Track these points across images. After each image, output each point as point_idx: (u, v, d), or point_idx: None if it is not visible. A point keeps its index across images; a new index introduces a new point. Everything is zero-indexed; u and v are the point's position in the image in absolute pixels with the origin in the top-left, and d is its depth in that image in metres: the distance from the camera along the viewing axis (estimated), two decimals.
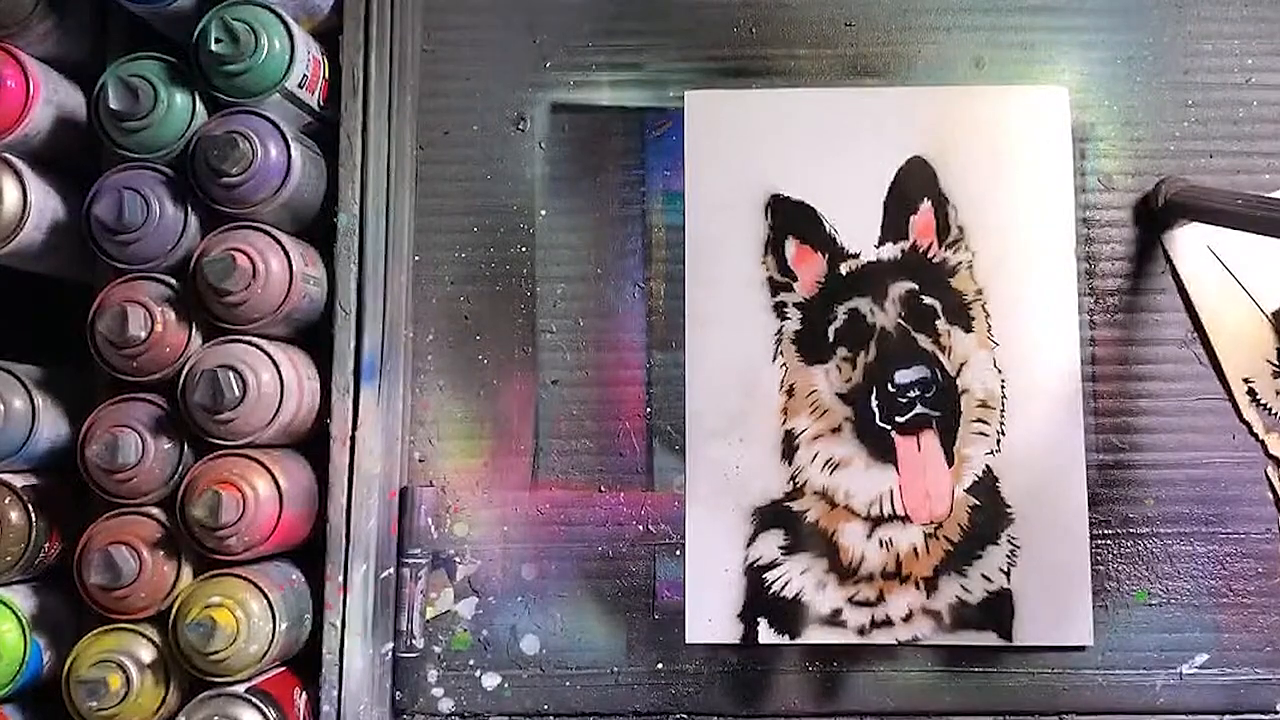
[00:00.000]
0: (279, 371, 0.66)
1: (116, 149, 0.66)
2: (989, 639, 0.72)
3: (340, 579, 0.68)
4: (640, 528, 0.73)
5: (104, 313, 0.64)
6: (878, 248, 0.74)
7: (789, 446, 0.73)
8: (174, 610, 0.64)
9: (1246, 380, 0.73)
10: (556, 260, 0.75)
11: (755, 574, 0.73)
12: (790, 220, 0.75)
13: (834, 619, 0.72)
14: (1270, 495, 0.72)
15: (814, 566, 0.73)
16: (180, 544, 0.65)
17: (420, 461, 0.74)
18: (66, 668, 0.63)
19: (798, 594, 0.72)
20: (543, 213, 0.75)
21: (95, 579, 0.63)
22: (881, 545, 0.73)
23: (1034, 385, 0.73)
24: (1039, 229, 0.74)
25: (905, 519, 0.73)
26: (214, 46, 0.65)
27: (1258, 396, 0.73)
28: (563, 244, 0.75)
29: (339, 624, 0.68)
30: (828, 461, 0.73)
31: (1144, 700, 0.71)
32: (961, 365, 0.73)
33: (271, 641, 0.64)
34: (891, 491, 0.73)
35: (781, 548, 0.73)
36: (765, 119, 0.75)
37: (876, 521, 0.73)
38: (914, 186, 0.75)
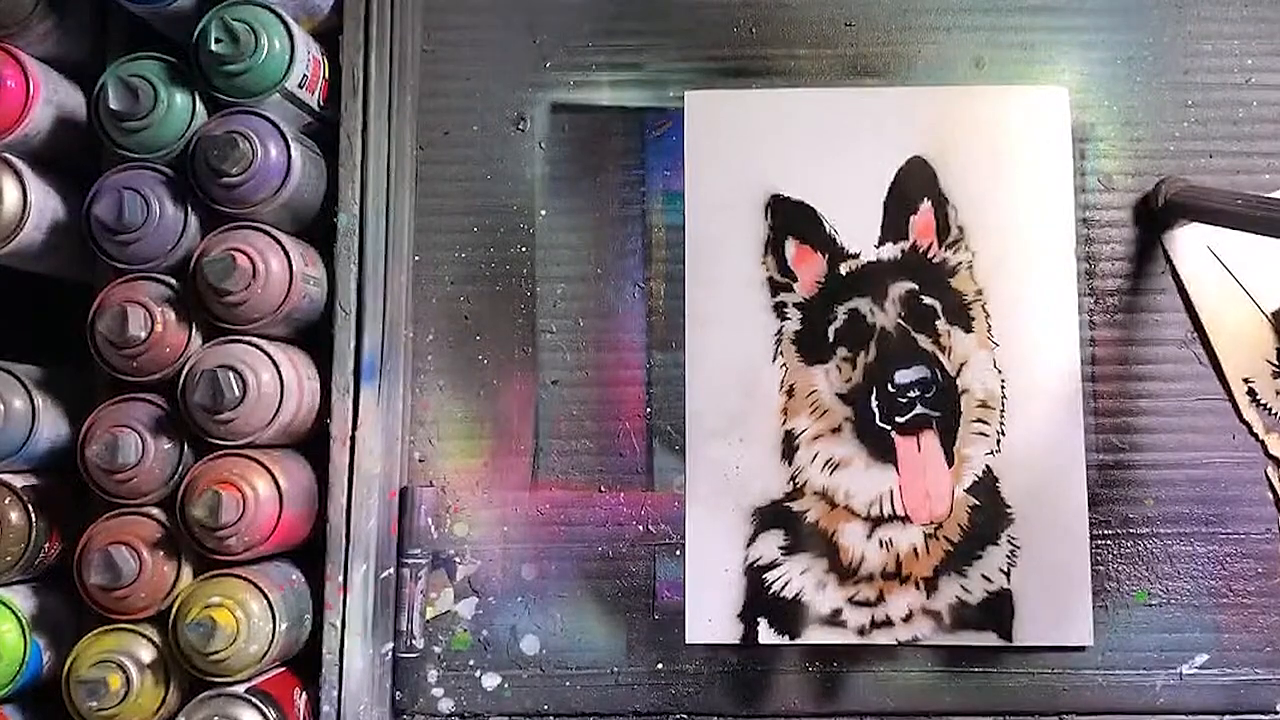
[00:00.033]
0: (279, 371, 0.66)
1: (116, 149, 0.66)
2: (989, 639, 0.72)
3: (340, 579, 0.68)
4: (640, 528, 0.73)
5: (104, 313, 0.64)
6: (878, 248, 0.74)
7: (789, 446, 0.73)
8: (174, 610, 0.64)
9: (1246, 380, 0.73)
10: (556, 260, 0.75)
11: (755, 574, 0.73)
12: (790, 220, 0.75)
13: (834, 619, 0.72)
14: (1270, 495, 0.72)
15: (814, 567, 0.73)
16: (180, 544, 0.65)
17: (420, 461, 0.74)
18: (66, 668, 0.63)
19: (798, 594, 0.72)
20: (543, 213, 0.75)
21: (95, 579, 0.63)
22: (881, 545, 0.73)
23: (1034, 385, 0.73)
24: (1039, 229, 0.74)
25: (905, 519, 0.73)
26: (214, 46, 0.65)
27: (1258, 396, 0.73)
28: (563, 244, 0.75)
29: (339, 624, 0.68)
30: (828, 462, 0.73)
31: (1144, 700, 0.71)
32: (961, 365, 0.73)
33: (271, 641, 0.64)
34: (891, 491, 0.73)
35: (781, 548, 0.73)
36: (765, 119, 0.75)
37: (876, 521, 0.73)
38: (914, 186, 0.75)
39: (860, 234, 0.74)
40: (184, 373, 0.65)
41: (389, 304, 0.71)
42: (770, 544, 0.73)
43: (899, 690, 0.72)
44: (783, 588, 0.72)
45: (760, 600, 0.72)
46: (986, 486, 0.73)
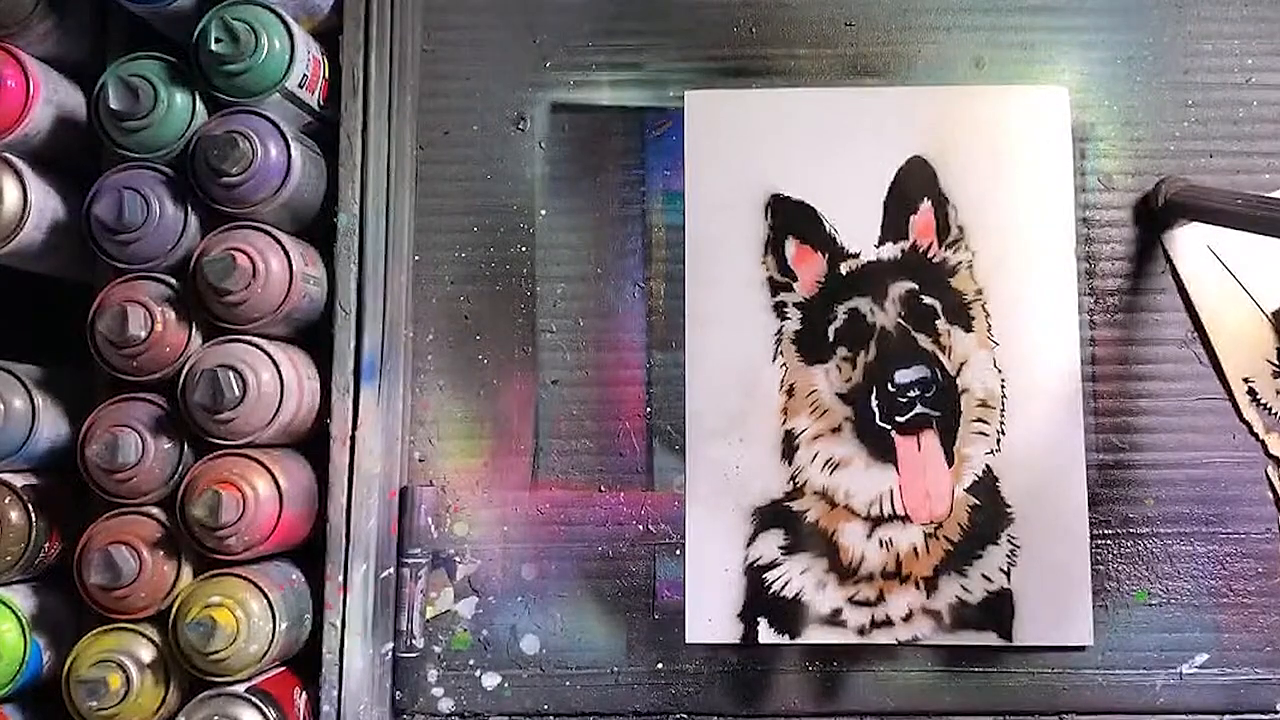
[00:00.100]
0: (279, 371, 0.66)
1: (116, 149, 0.66)
2: (989, 639, 0.72)
3: (340, 579, 0.68)
4: (640, 528, 0.73)
5: (104, 312, 0.64)
6: (878, 247, 0.74)
7: (789, 446, 0.73)
8: (174, 610, 0.64)
9: (1246, 380, 0.73)
10: (556, 260, 0.75)
11: (755, 574, 0.73)
12: (790, 220, 0.75)
13: (834, 619, 0.72)
14: (1270, 495, 0.72)
15: (814, 566, 0.73)
16: (180, 544, 0.65)
17: (420, 461, 0.74)
18: (66, 667, 0.63)
19: (798, 594, 0.72)
20: (543, 213, 0.75)
21: (95, 579, 0.63)
22: (881, 545, 0.73)
23: (1034, 385, 0.73)
24: (1039, 229, 0.74)
25: (905, 519, 0.73)
26: (214, 46, 0.65)
27: (1258, 396, 0.73)
28: (563, 244, 0.75)
29: (339, 624, 0.68)
30: (828, 461, 0.73)
31: (1144, 700, 0.71)
32: (961, 365, 0.73)
33: (271, 641, 0.64)
34: (891, 491, 0.73)
35: (781, 548, 0.73)
36: (765, 119, 0.75)
37: (876, 521, 0.73)
38: (914, 186, 0.75)
39: (860, 234, 0.74)
40: (184, 372, 0.65)
41: (389, 304, 0.71)
42: (770, 544, 0.73)
43: (899, 690, 0.72)
44: (783, 587, 0.72)
45: (760, 600, 0.72)
46: (986, 486, 0.73)
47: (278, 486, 0.65)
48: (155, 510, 0.66)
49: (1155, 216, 0.74)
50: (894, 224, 0.75)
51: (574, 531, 0.73)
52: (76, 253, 0.67)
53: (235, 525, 0.63)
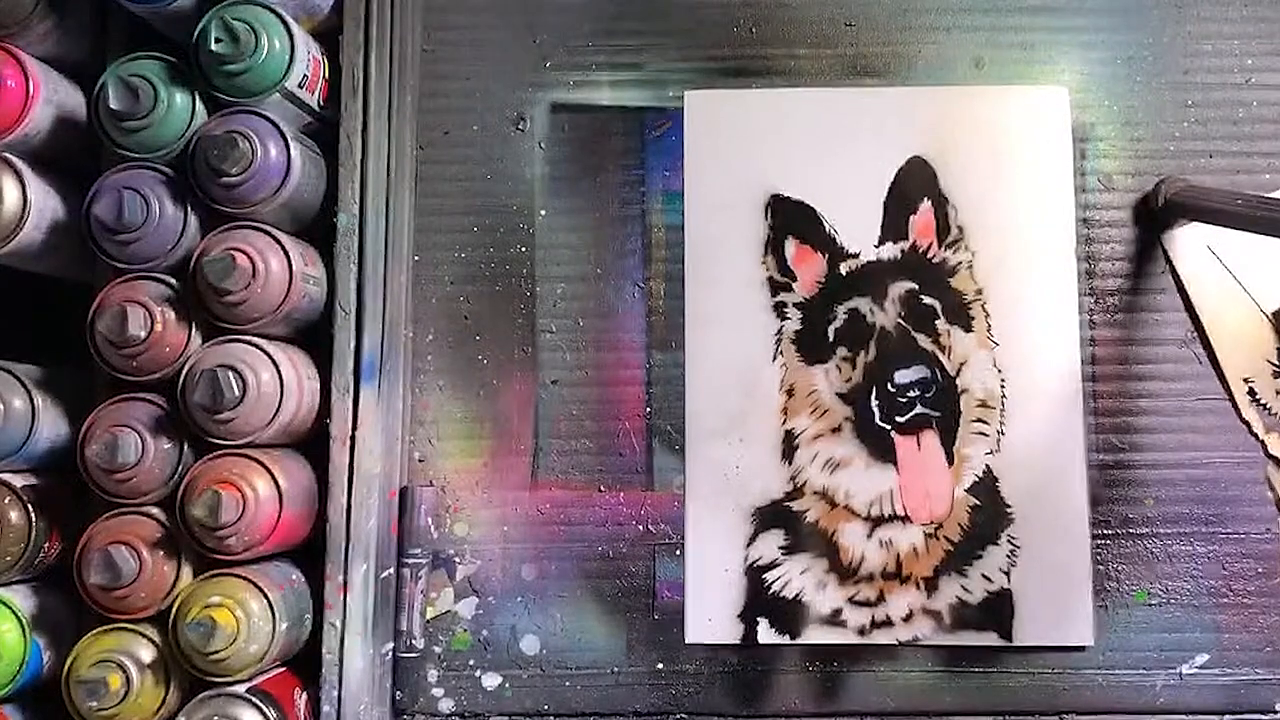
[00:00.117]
0: (279, 371, 0.66)
1: (116, 149, 0.66)
2: (989, 639, 0.72)
3: (340, 579, 0.68)
4: (640, 528, 0.73)
5: (104, 312, 0.64)
6: (877, 248, 0.74)
7: (789, 446, 0.73)
8: (174, 610, 0.64)
9: (1246, 380, 0.73)
10: (556, 260, 0.75)
11: (755, 574, 0.73)
12: (790, 220, 0.75)
13: (834, 619, 0.72)
14: (1270, 495, 0.72)
15: (814, 566, 0.73)
16: (180, 544, 0.65)
17: (420, 461, 0.74)
18: (66, 668, 0.63)
19: (798, 594, 0.72)
20: (543, 213, 0.75)
21: (95, 579, 0.63)
22: (881, 545, 0.73)
23: (1034, 385, 0.73)
24: (1039, 229, 0.74)
25: (905, 519, 0.73)
26: (214, 46, 0.65)
27: (1258, 396, 0.73)
28: (563, 244, 0.75)
29: (339, 624, 0.68)
30: (828, 461, 0.73)
31: (1144, 700, 0.71)
32: (961, 365, 0.73)
33: (271, 641, 0.64)
34: (891, 491, 0.73)
35: (782, 548, 0.73)
36: (765, 119, 0.75)
37: (876, 521, 0.73)
38: (914, 186, 0.75)
39: (860, 234, 0.74)
40: (184, 372, 0.65)
41: (389, 304, 0.71)
42: (770, 544, 0.73)
43: (899, 690, 0.72)
44: (783, 588, 0.72)
45: (760, 600, 0.72)
46: (986, 486, 0.73)
47: (277, 486, 0.65)
48: (155, 510, 0.65)
49: (1155, 216, 0.74)
50: (894, 224, 0.75)
51: (574, 532, 0.73)
52: (76, 253, 0.67)
53: (235, 525, 0.63)
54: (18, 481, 0.66)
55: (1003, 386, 0.73)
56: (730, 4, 0.76)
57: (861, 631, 0.72)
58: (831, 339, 0.74)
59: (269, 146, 0.65)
